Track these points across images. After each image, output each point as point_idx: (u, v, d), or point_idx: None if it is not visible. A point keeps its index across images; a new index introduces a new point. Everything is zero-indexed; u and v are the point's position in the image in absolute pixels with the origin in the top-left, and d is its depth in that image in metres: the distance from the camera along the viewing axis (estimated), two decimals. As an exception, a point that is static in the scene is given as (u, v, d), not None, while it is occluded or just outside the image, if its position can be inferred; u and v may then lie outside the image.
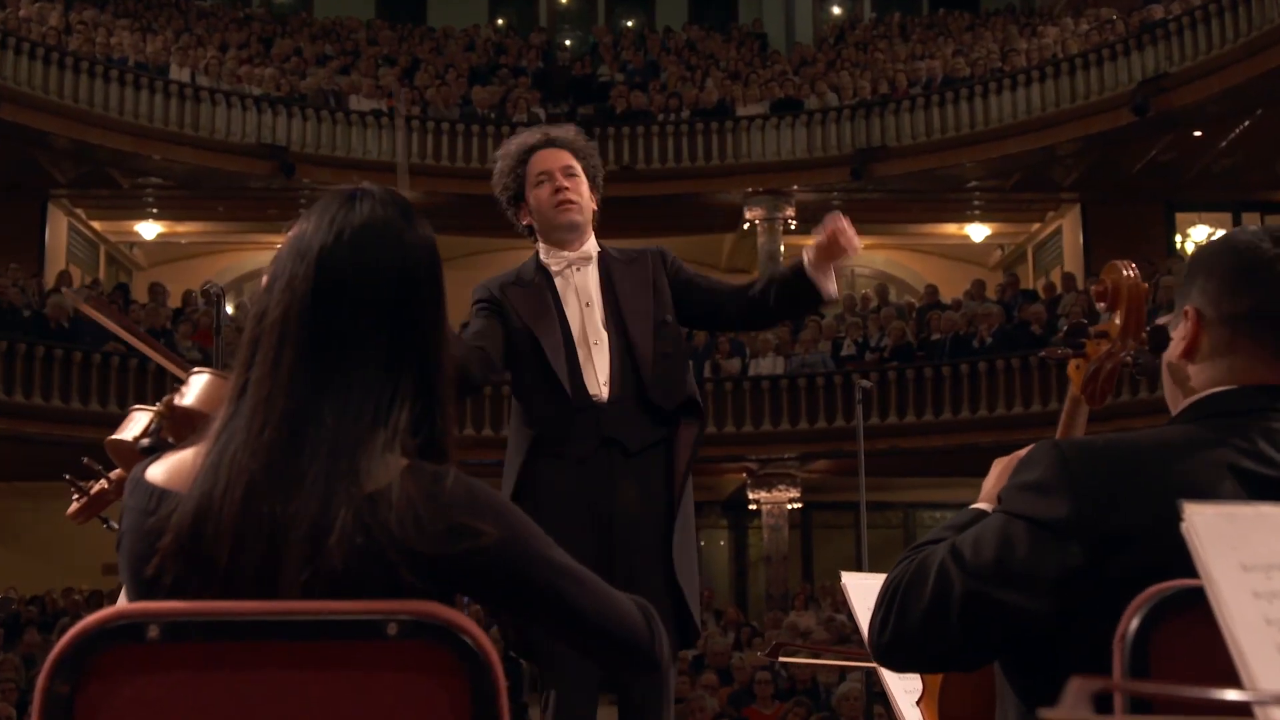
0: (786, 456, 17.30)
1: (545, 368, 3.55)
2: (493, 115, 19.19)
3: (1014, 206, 20.42)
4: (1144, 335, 1.78)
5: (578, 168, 3.70)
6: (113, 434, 2.72)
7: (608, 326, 3.61)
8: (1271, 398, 1.70)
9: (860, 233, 3.64)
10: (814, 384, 16.65)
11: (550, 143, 3.71)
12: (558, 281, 3.69)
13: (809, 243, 3.56)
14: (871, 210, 20.12)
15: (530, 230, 3.77)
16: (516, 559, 1.50)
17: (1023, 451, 1.82)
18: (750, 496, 17.91)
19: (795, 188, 18.89)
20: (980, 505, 1.91)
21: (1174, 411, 1.81)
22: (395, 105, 18.40)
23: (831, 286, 3.53)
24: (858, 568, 4.75)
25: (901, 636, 1.73)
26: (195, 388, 2.65)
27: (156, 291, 17.34)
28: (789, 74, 20.37)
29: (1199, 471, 1.62)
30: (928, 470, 16.86)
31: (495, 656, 1.35)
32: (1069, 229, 20.02)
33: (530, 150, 3.70)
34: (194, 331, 15.96)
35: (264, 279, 1.60)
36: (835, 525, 20.43)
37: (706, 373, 16.99)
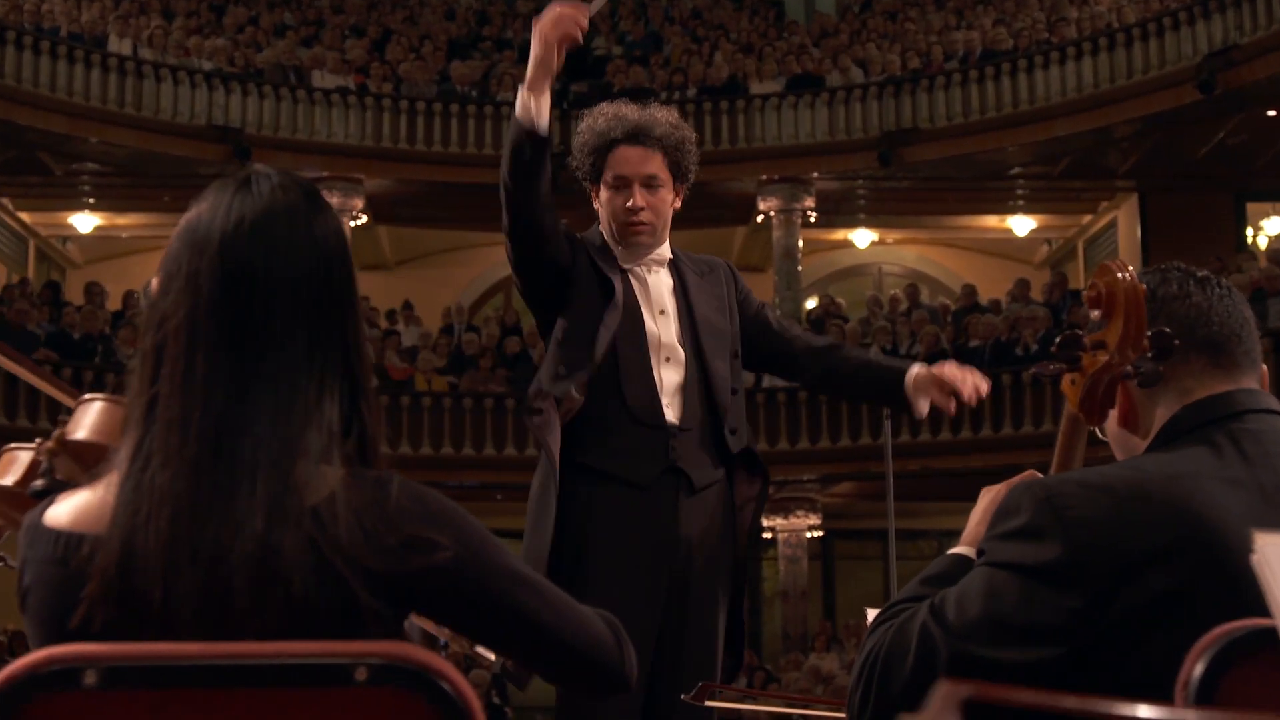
0: (805, 479, 17.29)
1: (615, 371, 3.52)
2: (474, 93, 19.20)
3: (1063, 196, 20.41)
4: (1145, 343, 1.81)
5: (663, 175, 3.64)
6: None
7: (683, 343, 3.61)
8: (1231, 402, 1.82)
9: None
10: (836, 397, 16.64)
11: (638, 138, 3.62)
12: (630, 279, 3.66)
13: (924, 372, 3.63)
14: (901, 200, 20.14)
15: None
16: (476, 572, 1.53)
17: (1015, 480, 1.85)
18: (765, 524, 17.88)
19: (815, 175, 18.89)
20: (960, 550, 1.93)
21: None
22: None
23: (924, 407, 3.63)
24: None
25: (885, 713, 1.74)
26: (88, 418, 2.64)
27: (93, 292, 17.33)
28: (808, 47, 20.39)
29: (1192, 489, 1.67)
30: (965, 494, 16.77)
31: (476, 704, 1.35)
32: (1125, 221, 20.02)
33: (613, 144, 3.63)
34: (135, 337, 15.96)
35: (154, 282, 1.61)
36: (861, 556, 20.41)
37: (715, 384, 16.97)
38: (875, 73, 19.29)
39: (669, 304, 3.63)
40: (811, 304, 20.22)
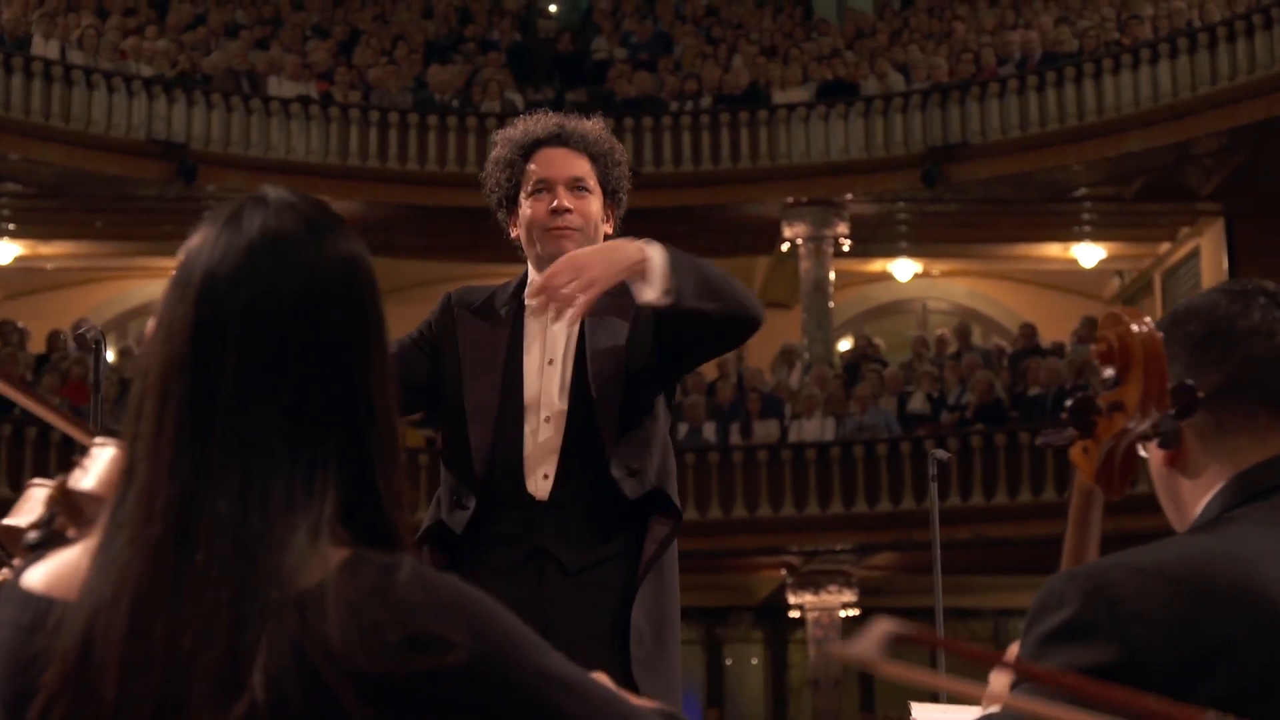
0: (839, 549, 17.25)
1: (465, 441, 3.51)
2: (455, 103, 19.25)
3: (1136, 221, 20.44)
4: (1167, 400, 1.79)
5: (591, 180, 3.63)
6: (6, 518, 2.73)
7: (570, 396, 3.54)
8: None
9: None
10: (874, 453, 16.62)
11: (562, 139, 3.64)
12: (530, 324, 3.63)
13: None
14: (949, 226, 20.14)
15: (520, 244, 3.71)
16: (497, 675, 1.47)
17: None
18: (791, 601, 17.84)
19: (849, 197, 18.92)
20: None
21: (1179, 525, 1.89)
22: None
23: (647, 293, 3.42)
24: (933, 696, 4.74)
25: None
26: (98, 465, 2.66)
27: (11, 332, 17.34)
28: (840, 50, 20.45)
29: (1259, 570, 1.65)
30: (1023, 567, 16.79)
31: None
32: (1209, 250, 20.03)
33: (535, 144, 3.64)
34: (63, 384, 15.94)
35: (151, 321, 1.59)
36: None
37: (735, 438, 16.95)
38: (918, 79, 19.34)
39: (562, 351, 3.59)
40: (845, 345, 20.22)
